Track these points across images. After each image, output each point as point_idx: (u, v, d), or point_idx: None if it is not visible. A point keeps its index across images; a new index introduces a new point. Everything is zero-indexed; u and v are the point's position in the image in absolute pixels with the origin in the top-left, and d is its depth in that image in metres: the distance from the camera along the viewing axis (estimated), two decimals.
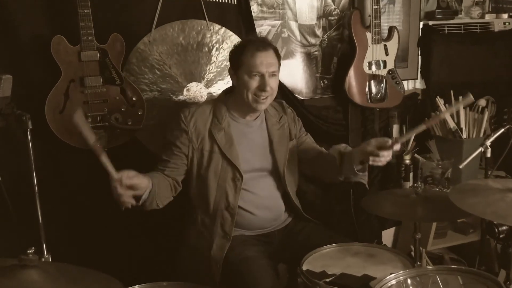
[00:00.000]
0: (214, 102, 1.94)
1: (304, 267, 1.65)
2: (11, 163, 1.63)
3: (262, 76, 1.79)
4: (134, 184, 1.57)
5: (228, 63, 1.92)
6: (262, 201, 1.90)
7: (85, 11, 1.90)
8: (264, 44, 1.82)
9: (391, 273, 1.43)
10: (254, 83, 1.79)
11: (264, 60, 1.78)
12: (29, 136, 1.44)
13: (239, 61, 1.82)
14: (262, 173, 1.93)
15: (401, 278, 1.38)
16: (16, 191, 1.61)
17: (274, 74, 1.82)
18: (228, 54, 1.92)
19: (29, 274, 1.11)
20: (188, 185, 1.89)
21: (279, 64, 1.88)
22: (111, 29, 2.00)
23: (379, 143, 1.68)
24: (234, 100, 1.90)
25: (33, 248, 1.13)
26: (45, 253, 1.53)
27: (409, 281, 1.41)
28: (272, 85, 1.81)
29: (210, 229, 1.84)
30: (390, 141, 1.66)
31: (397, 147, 1.66)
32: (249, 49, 1.79)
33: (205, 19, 2.23)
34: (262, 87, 1.79)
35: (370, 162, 1.69)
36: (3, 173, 1.54)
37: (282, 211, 1.98)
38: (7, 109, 1.46)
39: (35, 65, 1.96)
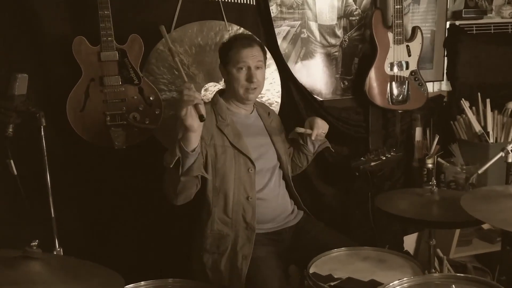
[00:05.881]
0: (212, 103, 2.00)
1: (311, 270, 1.64)
2: (27, 159, 1.69)
3: (248, 69, 1.91)
4: (199, 103, 1.58)
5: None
6: (272, 190, 1.95)
7: (105, 12, 1.95)
8: (249, 40, 1.95)
9: (399, 279, 1.40)
10: (242, 76, 1.91)
11: (249, 53, 1.90)
12: (42, 133, 1.48)
13: (227, 57, 1.94)
14: (267, 165, 1.97)
15: (406, 285, 1.34)
16: (31, 186, 1.67)
17: (259, 67, 1.93)
18: (218, 51, 2.03)
19: (33, 266, 1.15)
20: (204, 184, 1.87)
21: (265, 58, 2.00)
22: (130, 30, 2.05)
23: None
24: (229, 97, 1.99)
25: (37, 240, 1.16)
26: (57, 247, 1.57)
27: None
28: (258, 77, 1.92)
29: (232, 225, 1.85)
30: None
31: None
32: (236, 45, 1.92)
33: (223, 20, 2.24)
34: (249, 79, 1.90)
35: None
36: (19, 169, 1.60)
37: (288, 200, 2.04)
38: (22, 106, 1.52)
39: (57, 64, 2.03)
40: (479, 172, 1.81)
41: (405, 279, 1.35)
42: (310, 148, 2.09)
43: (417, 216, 1.62)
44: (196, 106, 1.58)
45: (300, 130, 1.97)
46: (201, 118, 1.58)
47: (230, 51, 1.93)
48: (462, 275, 1.31)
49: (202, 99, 2.21)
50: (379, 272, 1.60)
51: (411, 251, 2.85)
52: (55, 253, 1.56)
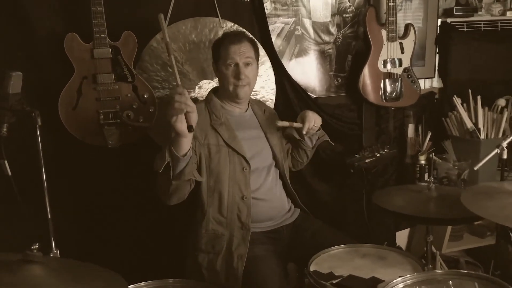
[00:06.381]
0: (206, 101, 1.98)
1: (312, 268, 1.63)
2: (22, 159, 1.65)
3: (236, 65, 1.88)
4: (190, 112, 1.54)
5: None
6: (268, 189, 1.93)
7: (98, 8, 1.92)
8: (239, 37, 1.92)
9: (399, 276, 1.41)
10: (230, 73, 1.89)
11: (237, 49, 1.87)
12: (38, 132, 1.45)
13: (217, 54, 1.93)
14: (263, 163, 1.95)
15: (409, 282, 1.35)
16: (26, 186, 1.63)
17: (248, 63, 1.89)
18: (211, 49, 2.00)
19: (33, 270, 1.12)
20: (198, 184, 1.85)
21: (257, 55, 1.96)
22: (123, 26, 2.01)
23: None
24: (222, 95, 1.97)
25: (37, 243, 1.14)
26: (54, 248, 1.54)
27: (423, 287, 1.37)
28: (247, 73, 1.88)
29: (227, 225, 1.83)
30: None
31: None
32: (224, 42, 1.90)
33: (217, 17, 2.22)
34: (237, 76, 1.87)
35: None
36: (13, 168, 1.56)
37: (285, 198, 2.02)
38: (17, 105, 1.48)
39: (48, 62, 1.99)
40: (475, 168, 1.82)
41: (408, 275, 1.36)
42: (308, 143, 2.07)
43: (416, 213, 1.62)
44: (186, 115, 1.54)
45: (283, 123, 1.93)
46: (189, 128, 1.52)
47: (219, 48, 1.91)
48: (465, 271, 1.32)
49: (198, 99, 2.20)
50: (379, 269, 1.60)
51: (403, 246, 2.87)
52: (51, 254, 1.53)
